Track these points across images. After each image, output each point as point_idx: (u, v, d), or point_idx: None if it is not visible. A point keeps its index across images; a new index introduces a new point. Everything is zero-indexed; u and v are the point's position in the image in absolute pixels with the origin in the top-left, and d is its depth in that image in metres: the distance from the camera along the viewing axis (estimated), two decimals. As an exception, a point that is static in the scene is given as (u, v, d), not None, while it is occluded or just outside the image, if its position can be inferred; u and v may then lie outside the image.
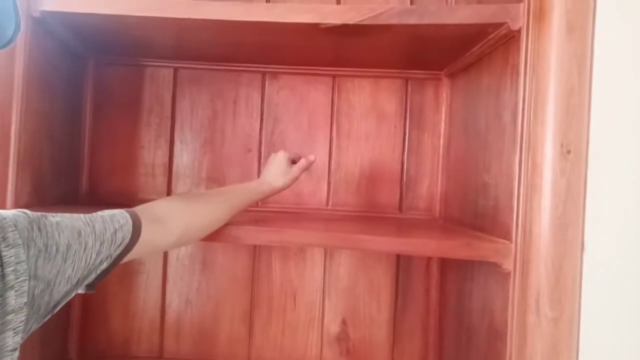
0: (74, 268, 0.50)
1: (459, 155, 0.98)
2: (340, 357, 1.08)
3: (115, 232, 0.55)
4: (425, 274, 1.07)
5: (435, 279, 1.06)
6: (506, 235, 0.73)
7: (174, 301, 1.10)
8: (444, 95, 1.05)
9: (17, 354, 0.43)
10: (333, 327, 1.08)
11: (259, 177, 1.07)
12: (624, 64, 0.68)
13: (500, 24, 0.73)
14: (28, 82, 0.80)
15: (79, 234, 0.51)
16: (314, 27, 0.79)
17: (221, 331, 1.10)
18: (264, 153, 1.09)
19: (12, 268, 0.43)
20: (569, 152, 0.66)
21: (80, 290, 0.54)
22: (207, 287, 1.10)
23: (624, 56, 0.68)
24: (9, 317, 0.42)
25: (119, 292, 1.10)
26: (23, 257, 0.44)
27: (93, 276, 0.54)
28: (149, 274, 1.10)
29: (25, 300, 0.43)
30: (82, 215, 0.55)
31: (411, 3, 1.05)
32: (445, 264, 1.04)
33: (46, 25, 0.83)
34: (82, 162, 1.07)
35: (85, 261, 0.51)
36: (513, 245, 0.71)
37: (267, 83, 1.10)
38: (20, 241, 0.44)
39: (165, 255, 1.10)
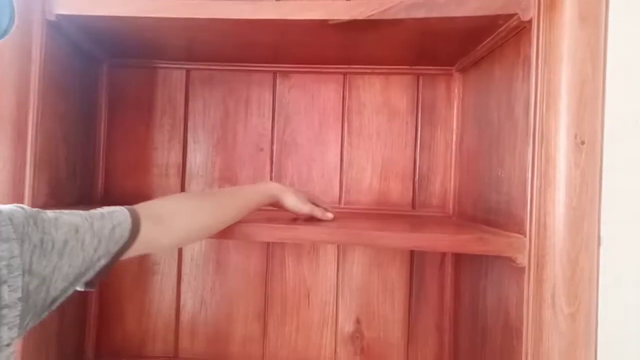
0: (70, 264, 0.50)
1: (471, 151, 0.97)
2: (355, 356, 1.07)
3: (113, 228, 0.56)
4: (439, 272, 1.06)
5: (449, 277, 1.05)
6: (520, 229, 0.71)
7: (188, 301, 1.11)
8: (456, 90, 1.04)
9: (12, 349, 0.43)
10: (347, 326, 1.07)
11: (270, 178, 1.08)
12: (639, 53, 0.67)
13: (511, 15, 0.72)
14: (44, 85, 0.82)
15: (77, 230, 0.51)
16: (323, 23, 0.79)
17: (235, 331, 1.10)
18: (276, 152, 1.10)
19: (5, 262, 0.43)
20: (582, 142, 0.65)
21: (80, 288, 0.54)
22: (221, 287, 1.10)
23: (639, 45, 0.67)
24: (3, 312, 0.42)
25: (134, 292, 1.11)
26: (17, 252, 0.44)
27: (91, 273, 0.54)
28: (163, 274, 1.11)
29: (19, 295, 0.44)
30: (81, 212, 0.55)
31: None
32: (459, 261, 1.02)
33: (61, 29, 0.85)
34: (97, 164, 1.09)
35: (83, 258, 0.51)
36: (527, 239, 0.69)
37: (278, 82, 1.10)
38: (14, 235, 0.44)
39: (180, 256, 1.11)
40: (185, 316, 1.11)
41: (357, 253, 1.07)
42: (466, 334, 0.96)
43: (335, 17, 0.77)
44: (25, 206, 0.49)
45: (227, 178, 1.11)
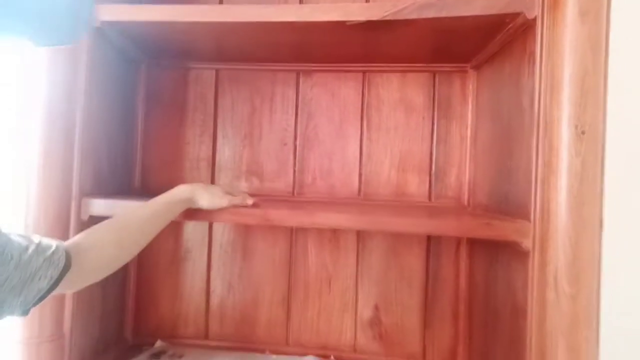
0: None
1: (485, 144, 1.01)
2: (374, 341, 1.12)
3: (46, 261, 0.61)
4: (454, 260, 1.10)
5: (464, 264, 1.09)
6: (526, 215, 0.75)
7: (217, 286, 1.19)
8: (470, 86, 1.08)
9: None
10: (366, 312, 1.13)
11: (294, 174, 1.14)
12: (641, 46, 0.70)
13: (517, 14, 0.76)
14: (90, 86, 0.91)
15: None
16: (341, 24, 0.85)
17: (261, 315, 1.17)
18: (299, 146, 1.16)
19: None
20: (583, 132, 0.69)
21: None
22: (248, 273, 1.18)
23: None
24: None
25: (167, 278, 1.19)
26: None
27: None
28: (194, 261, 1.19)
29: None
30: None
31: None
32: (473, 250, 1.06)
33: (105, 34, 0.94)
34: (134, 158, 1.18)
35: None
36: (531, 224, 0.74)
37: (301, 80, 1.17)
38: None
39: (210, 243, 1.19)
40: (214, 300, 1.19)
41: (375, 241, 1.12)
42: (479, 318, 1.00)
43: (352, 19, 0.83)
44: None
45: (253, 171, 1.18)
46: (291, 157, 1.17)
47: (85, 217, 0.89)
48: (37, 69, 0.85)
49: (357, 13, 0.83)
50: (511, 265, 0.83)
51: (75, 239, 0.70)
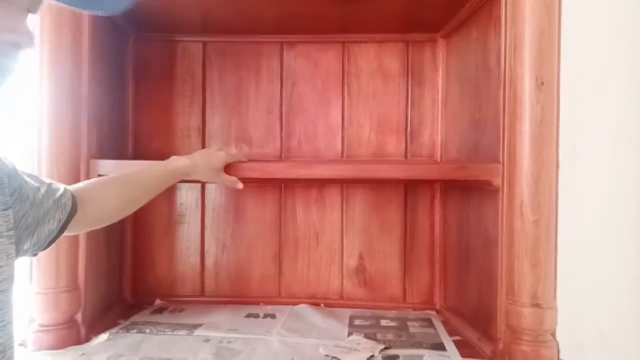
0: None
1: (455, 105, 1.13)
2: (359, 287, 1.24)
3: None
4: (429, 211, 1.22)
5: (439, 215, 1.21)
6: (495, 159, 0.88)
7: (212, 247, 1.26)
8: (440, 55, 1.21)
9: None
10: (351, 261, 1.24)
11: (281, 140, 1.23)
12: (589, 8, 0.83)
13: (484, -17, 0.88)
14: (91, 54, 0.96)
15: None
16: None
17: (254, 271, 1.26)
18: (285, 114, 1.25)
19: None
20: (542, 83, 0.81)
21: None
22: (241, 233, 1.26)
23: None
24: None
25: (163, 240, 1.26)
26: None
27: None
28: (189, 224, 1.26)
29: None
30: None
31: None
32: (446, 199, 1.19)
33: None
34: (127, 128, 1.23)
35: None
36: (501, 165, 0.86)
37: (285, 52, 1.25)
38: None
39: (203, 207, 1.26)
40: (209, 260, 1.26)
41: (358, 198, 1.23)
42: (453, 260, 1.14)
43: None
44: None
45: (242, 138, 1.26)
46: (277, 124, 1.26)
47: (93, 177, 0.94)
48: (43, 38, 0.89)
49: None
50: (482, 203, 0.96)
51: (81, 184, 0.75)
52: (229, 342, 0.95)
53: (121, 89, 1.20)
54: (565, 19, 0.83)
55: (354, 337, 0.97)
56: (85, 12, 0.86)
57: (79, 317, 0.94)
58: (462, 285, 1.08)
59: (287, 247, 1.26)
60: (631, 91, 0.84)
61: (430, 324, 1.08)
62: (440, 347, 0.93)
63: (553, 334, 0.83)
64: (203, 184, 1.25)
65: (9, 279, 0.52)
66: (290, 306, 1.20)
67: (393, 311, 1.18)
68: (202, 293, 1.26)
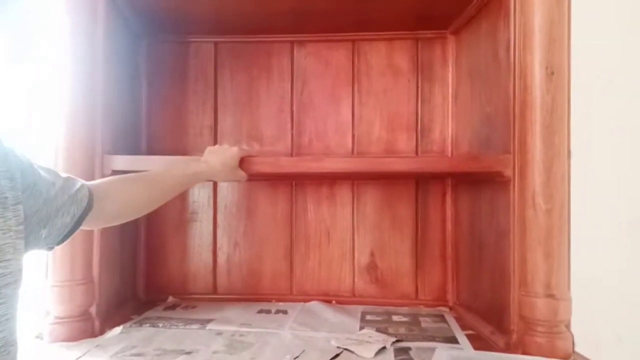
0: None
1: (466, 100, 1.13)
2: (371, 284, 1.24)
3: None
4: (441, 207, 1.22)
5: (450, 211, 1.21)
6: (506, 150, 0.88)
7: (224, 244, 1.27)
8: (450, 51, 1.21)
9: None
10: (363, 258, 1.24)
11: (292, 137, 1.24)
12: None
13: (493, -25, 0.88)
14: (105, 53, 0.98)
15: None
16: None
17: (266, 268, 1.26)
18: (296, 111, 1.26)
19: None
20: (552, 73, 0.81)
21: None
22: (252, 231, 1.27)
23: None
24: None
25: (176, 238, 1.27)
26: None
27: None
28: (202, 222, 1.27)
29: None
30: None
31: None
32: (457, 195, 1.19)
33: (117, 6, 1.02)
34: (140, 126, 1.25)
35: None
36: (512, 155, 0.86)
37: (295, 50, 1.26)
38: None
39: (215, 205, 1.27)
40: (221, 257, 1.27)
41: (369, 194, 1.24)
42: (465, 255, 1.13)
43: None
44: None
45: (253, 136, 1.27)
46: (288, 121, 1.27)
47: (107, 172, 0.97)
48: (61, 36, 0.91)
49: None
50: (494, 196, 0.95)
51: (100, 181, 0.76)
52: (241, 335, 0.95)
53: (135, 89, 1.23)
54: (575, 7, 0.83)
55: (365, 330, 0.97)
56: None
57: (93, 310, 0.95)
58: (475, 281, 1.07)
59: (298, 244, 1.26)
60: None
61: (443, 320, 1.08)
62: (452, 340, 0.93)
63: (567, 326, 0.82)
64: (215, 182, 1.26)
65: (15, 272, 0.52)
66: (302, 303, 1.20)
67: (405, 308, 1.18)
68: (215, 290, 1.27)
